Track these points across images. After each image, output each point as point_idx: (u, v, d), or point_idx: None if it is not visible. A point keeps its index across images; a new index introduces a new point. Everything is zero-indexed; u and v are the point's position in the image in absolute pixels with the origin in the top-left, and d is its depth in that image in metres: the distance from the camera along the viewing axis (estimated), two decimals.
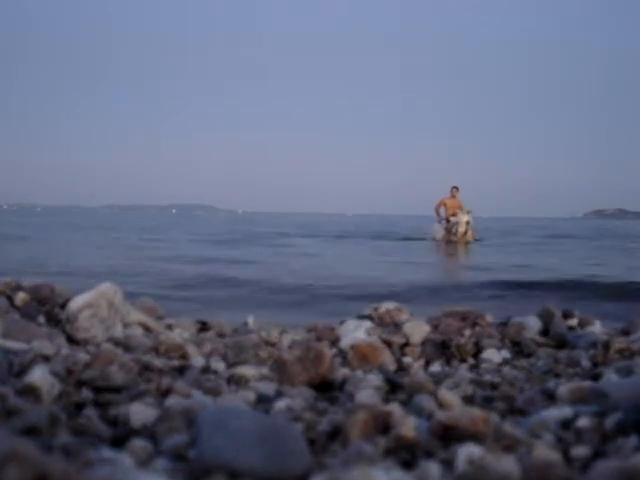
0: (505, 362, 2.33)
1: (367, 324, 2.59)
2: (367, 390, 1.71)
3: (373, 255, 11.59)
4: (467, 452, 1.05)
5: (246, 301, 5.61)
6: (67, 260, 8.52)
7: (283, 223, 33.74)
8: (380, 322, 2.71)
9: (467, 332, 2.56)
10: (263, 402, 1.59)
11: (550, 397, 1.61)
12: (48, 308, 2.35)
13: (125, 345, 2.12)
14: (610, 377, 1.79)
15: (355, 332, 2.51)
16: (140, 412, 1.35)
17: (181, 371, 1.90)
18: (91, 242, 12.52)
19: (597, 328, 2.67)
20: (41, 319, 2.29)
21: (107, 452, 1.08)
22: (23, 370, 1.63)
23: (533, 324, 2.63)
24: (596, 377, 1.88)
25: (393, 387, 1.77)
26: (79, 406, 1.45)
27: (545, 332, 2.61)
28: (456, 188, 15.88)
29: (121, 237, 14.58)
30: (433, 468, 1.04)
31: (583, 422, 1.26)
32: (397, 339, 2.45)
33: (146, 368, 1.79)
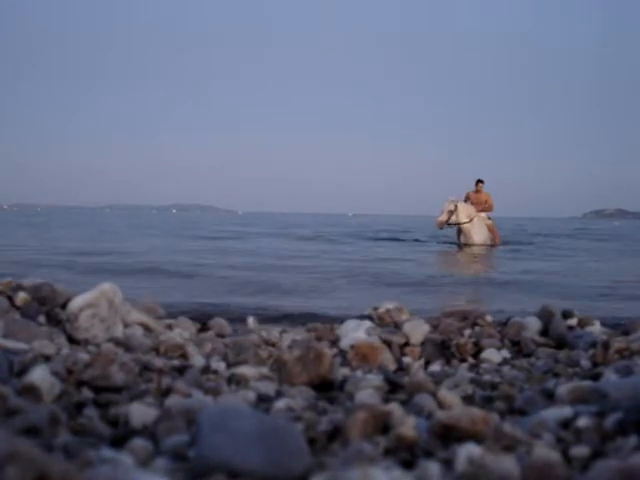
0: (505, 362, 2.33)
1: (367, 324, 2.59)
2: (367, 390, 1.71)
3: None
4: (467, 452, 1.05)
5: None
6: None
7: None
8: (380, 322, 2.72)
9: (467, 332, 2.57)
10: (263, 402, 1.60)
11: (550, 397, 1.62)
12: (48, 308, 2.35)
13: (125, 345, 2.12)
14: (610, 377, 1.79)
15: (355, 332, 2.51)
16: (140, 412, 1.35)
17: (181, 371, 1.90)
18: None
19: (597, 328, 2.67)
20: (42, 319, 2.29)
21: (107, 452, 1.09)
22: (24, 370, 1.63)
23: (533, 324, 2.63)
24: (596, 377, 1.88)
25: (393, 387, 1.77)
26: (79, 406, 1.46)
27: (545, 332, 2.61)
28: (481, 181, 13.68)
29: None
30: (433, 468, 1.04)
31: (583, 422, 1.26)
32: (397, 339, 2.45)
33: (146, 368, 1.80)
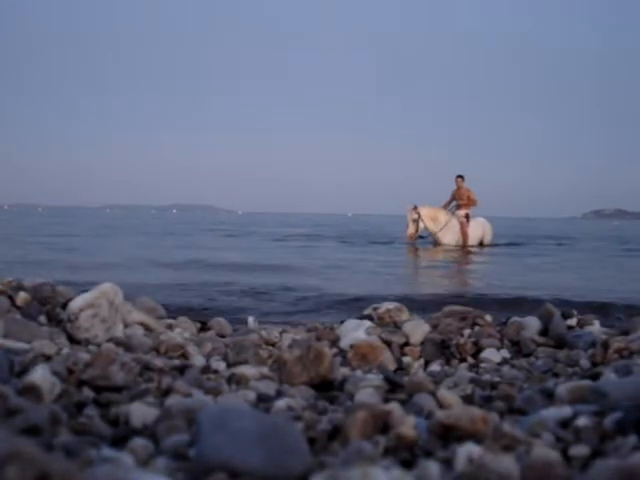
0: (504, 362, 2.33)
1: (367, 324, 2.59)
2: (367, 389, 1.71)
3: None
4: (466, 451, 1.06)
5: None
6: None
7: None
8: (380, 322, 2.72)
9: (467, 332, 2.57)
10: (263, 401, 1.60)
11: (549, 396, 1.62)
12: (49, 308, 2.35)
13: (126, 345, 2.12)
14: (609, 377, 1.79)
15: (355, 332, 2.52)
16: (141, 411, 1.36)
17: (182, 371, 1.91)
18: None
19: (596, 328, 2.67)
20: (42, 319, 2.29)
21: (108, 451, 1.09)
22: (24, 370, 1.64)
23: (533, 324, 2.63)
24: (595, 377, 1.88)
25: (393, 386, 1.77)
26: (80, 406, 1.46)
27: (544, 332, 2.61)
28: (460, 177, 13.18)
29: None
30: (433, 467, 1.04)
31: (582, 421, 1.26)
32: (397, 339, 2.45)
33: (147, 368, 1.80)
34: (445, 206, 13.37)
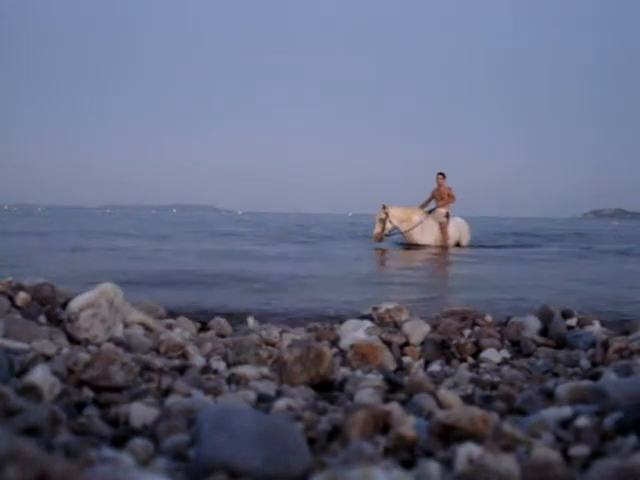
0: (504, 362, 2.33)
1: (367, 324, 2.59)
2: (367, 390, 1.71)
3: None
4: (467, 451, 1.06)
5: None
6: None
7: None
8: (380, 322, 2.72)
9: (467, 332, 2.57)
10: (263, 401, 1.60)
11: (549, 396, 1.62)
12: (49, 308, 2.35)
13: (126, 345, 2.12)
14: (609, 377, 1.79)
15: (355, 332, 2.52)
16: (140, 412, 1.36)
17: (182, 371, 1.91)
18: None
19: (596, 328, 2.67)
20: (42, 319, 2.29)
21: (108, 451, 1.09)
22: (24, 370, 1.64)
23: (533, 324, 2.63)
24: (595, 377, 1.88)
25: (393, 387, 1.77)
26: (80, 406, 1.46)
27: (544, 332, 2.61)
28: (442, 175, 12.88)
29: None
30: (433, 467, 1.04)
31: (582, 422, 1.26)
32: (397, 339, 2.45)
33: (147, 368, 1.80)
34: (424, 205, 13.06)
